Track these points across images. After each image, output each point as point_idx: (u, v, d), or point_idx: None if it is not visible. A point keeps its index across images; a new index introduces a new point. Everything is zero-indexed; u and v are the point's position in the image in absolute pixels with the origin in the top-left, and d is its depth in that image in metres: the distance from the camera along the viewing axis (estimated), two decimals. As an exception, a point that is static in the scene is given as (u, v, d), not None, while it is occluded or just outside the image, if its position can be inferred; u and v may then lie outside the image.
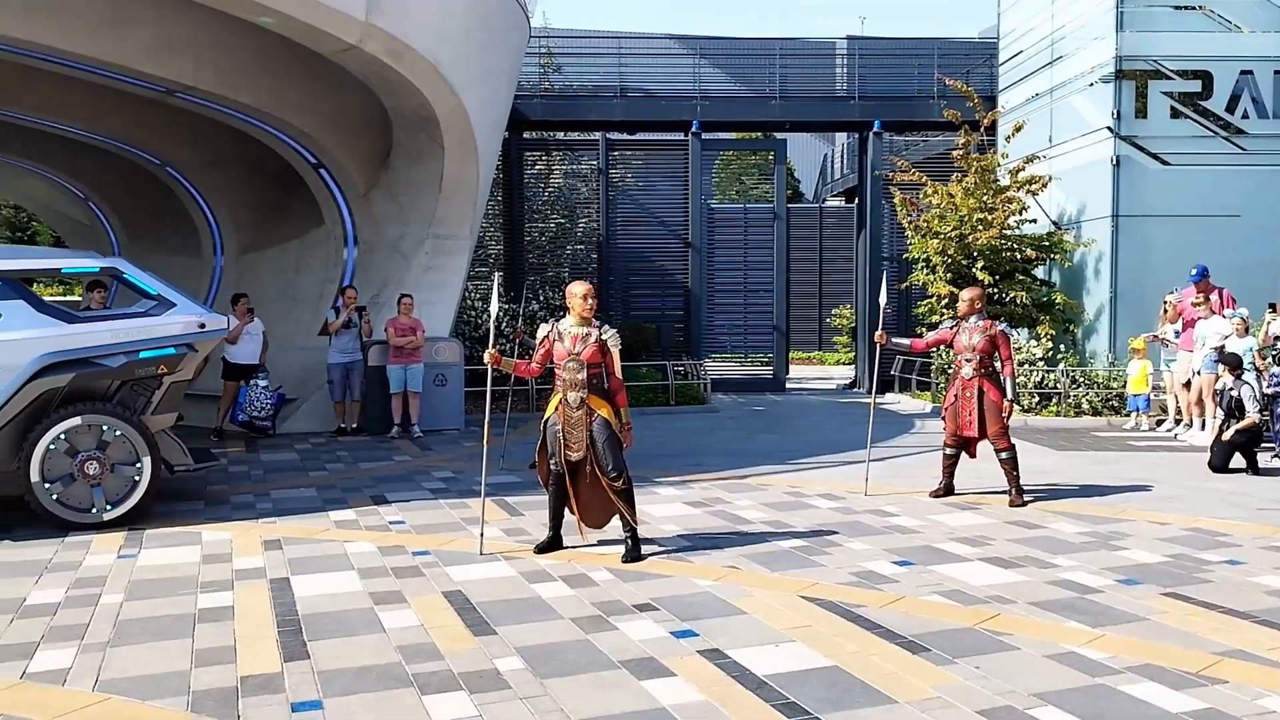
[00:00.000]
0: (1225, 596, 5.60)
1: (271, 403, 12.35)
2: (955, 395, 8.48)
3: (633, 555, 6.41)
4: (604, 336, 6.46)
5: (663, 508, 8.12)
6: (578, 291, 6.51)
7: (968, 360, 8.36)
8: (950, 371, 8.89)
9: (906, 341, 9.18)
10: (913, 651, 4.74)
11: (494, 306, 6.88)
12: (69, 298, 28.90)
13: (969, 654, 4.70)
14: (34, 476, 7.21)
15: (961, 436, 8.45)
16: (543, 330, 6.68)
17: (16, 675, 4.55)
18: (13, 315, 7.29)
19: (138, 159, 16.00)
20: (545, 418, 6.62)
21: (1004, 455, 8.29)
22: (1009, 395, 8.31)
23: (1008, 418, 8.32)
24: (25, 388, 7.19)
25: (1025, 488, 8.40)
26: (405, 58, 10.76)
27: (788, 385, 19.61)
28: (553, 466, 6.56)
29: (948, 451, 8.61)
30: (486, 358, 6.47)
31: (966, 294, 8.59)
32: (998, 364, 8.38)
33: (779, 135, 20.37)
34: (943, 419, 8.72)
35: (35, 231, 40.37)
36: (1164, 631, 5.02)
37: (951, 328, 8.65)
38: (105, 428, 7.45)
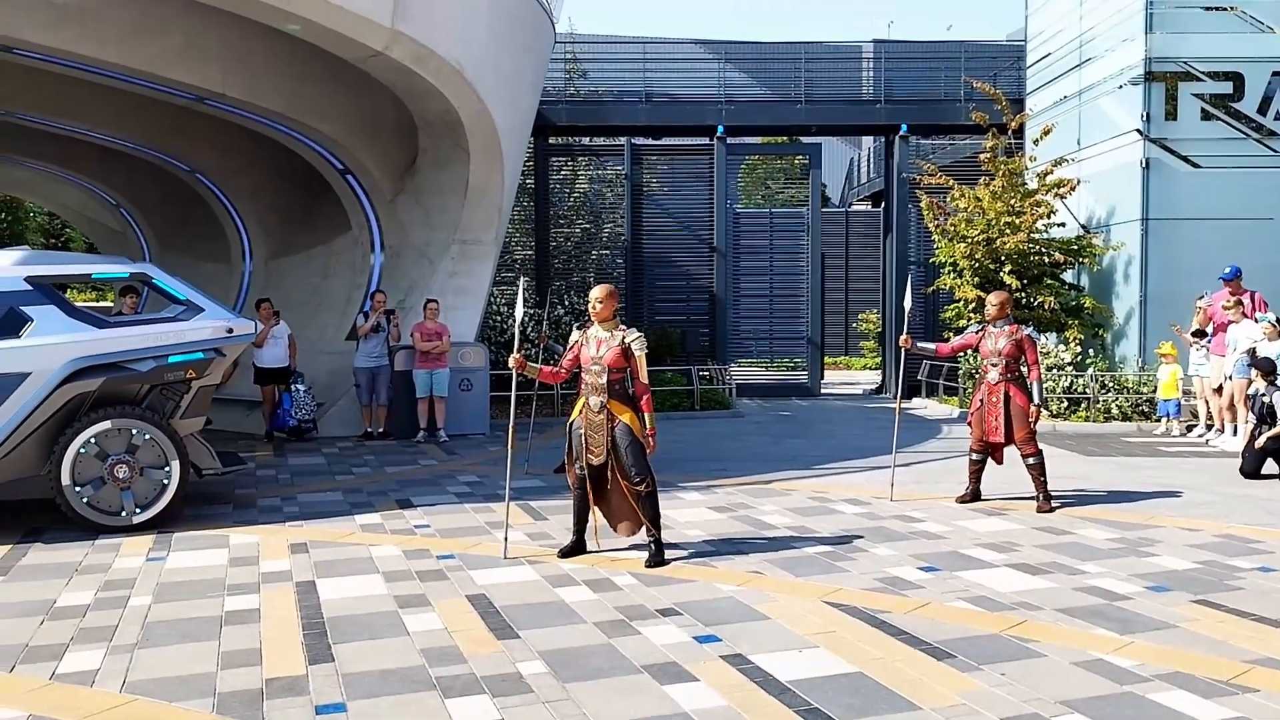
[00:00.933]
0: (1256, 604, 5.52)
1: (313, 404, 12.60)
2: (981, 400, 8.42)
3: (656, 560, 6.40)
4: (628, 341, 6.45)
5: (687, 512, 8.11)
6: (591, 295, 6.56)
7: (994, 365, 8.30)
8: (977, 376, 8.82)
9: (932, 346, 9.11)
10: (938, 658, 4.70)
11: (519, 311, 6.90)
12: (103, 303, 29.27)
13: (995, 661, 4.66)
14: (65, 480, 7.31)
15: (988, 442, 8.39)
16: (574, 335, 6.70)
17: (46, 676, 4.60)
18: (45, 320, 7.39)
19: (168, 165, 16.19)
20: (570, 421, 6.64)
21: (1031, 460, 8.22)
22: (1036, 400, 8.23)
23: (1035, 423, 8.25)
24: (56, 392, 7.29)
25: (1053, 493, 8.32)
26: (430, 63, 10.83)
27: (800, 391, 19.59)
28: (578, 470, 6.57)
29: (974, 457, 8.54)
30: (511, 362, 6.49)
31: (994, 298, 8.50)
32: (1024, 369, 8.31)
33: (806, 140, 20.33)
34: (969, 424, 8.66)
35: (69, 238, 40.93)
36: (1194, 639, 4.95)
37: (977, 332, 8.59)
38: (135, 432, 7.54)
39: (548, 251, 19.37)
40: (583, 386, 6.54)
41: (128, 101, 13.03)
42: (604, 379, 6.40)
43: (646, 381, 6.48)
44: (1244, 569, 6.29)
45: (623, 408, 6.42)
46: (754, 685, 4.38)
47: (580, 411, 6.53)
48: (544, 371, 6.76)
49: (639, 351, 6.44)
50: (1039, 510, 8.09)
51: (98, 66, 10.96)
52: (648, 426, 6.44)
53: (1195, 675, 4.45)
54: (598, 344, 6.48)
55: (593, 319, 6.55)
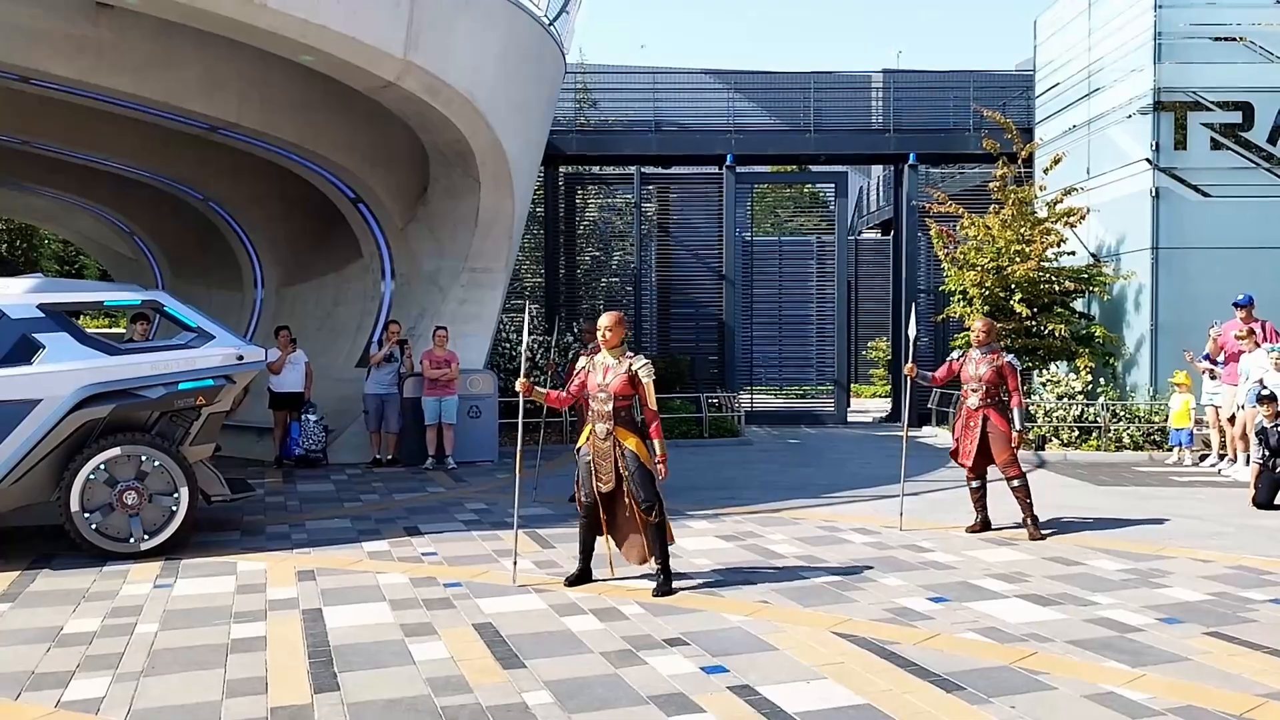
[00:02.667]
0: (1270, 636, 5.46)
1: (322, 435, 12.66)
2: (961, 425, 8.46)
3: (664, 590, 6.37)
4: (635, 368, 6.43)
5: (695, 541, 8.07)
6: (599, 322, 6.57)
7: (974, 390, 8.35)
8: (958, 402, 8.82)
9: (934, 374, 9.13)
10: (947, 690, 4.66)
11: (525, 336, 6.94)
12: (115, 329, 29.45)
13: (1005, 693, 4.61)
14: (74, 506, 7.33)
15: (960, 464, 8.44)
16: (581, 362, 6.71)
17: (51, 704, 4.59)
18: (56, 347, 7.44)
19: (182, 194, 16.34)
20: (578, 447, 6.64)
21: (1015, 484, 8.26)
22: (1018, 426, 8.25)
23: (1017, 448, 8.26)
24: (67, 418, 7.31)
25: (1064, 522, 8.27)
26: (442, 94, 10.92)
27: (825, 419, 19.56)
28: (584, 499, 6.55)
29: (972, 485, 8.54)
30: (518, 386, 6.50)
31: (980, 324, 8.61)
32: (1004, 395, 8.33)
33: (819, 168, 20.38)
34: (954, 452, 8.68)
35: (83, 265, 41.25)
36: (1206, 672, 4.90)
37: (958, 359, 8.62)
38: (144, 458, 7.56)
39: (558, 280, 19.44)
40: (589, 414, 6.53)
41: (143, 131, 13.16)
42: (610, 406, 6.39)
43: (655, 408, 6.46)
44: (1257, 601, 6.22)
45: (629, 434, 6.40)
46: (761, 717, 4.35)
47: (587, 438, 6.53)
48: (550, 396, 6.77)
49: (646, 379, 6.42)
50: (1030, 538, 8.12)
51: (114, 97, 11.09)
52: (657, 453, 6.40)
53: (1208, 709, 4.40)
54: (604, 371, 6.47)
55: (600, 345, 6.55)
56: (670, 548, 6.56)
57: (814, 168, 21.39)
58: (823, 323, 20.05)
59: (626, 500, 6.44)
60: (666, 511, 6.55)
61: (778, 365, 20.61)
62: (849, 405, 20.18)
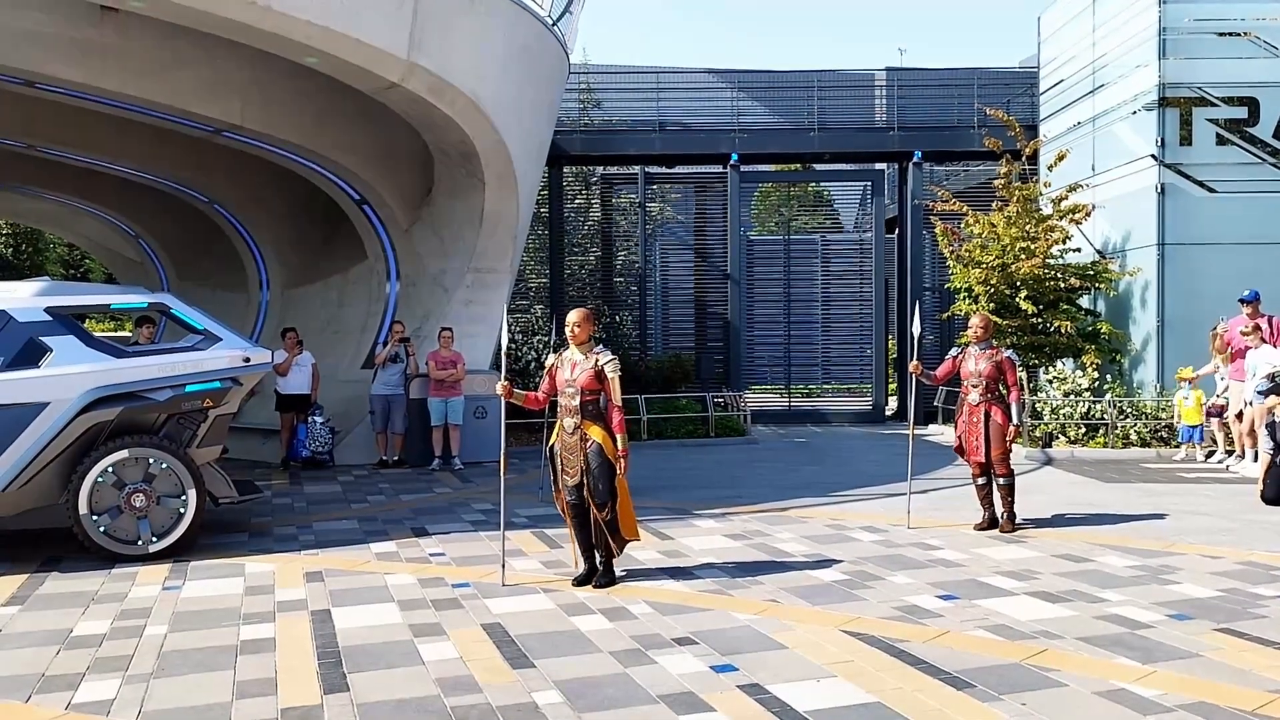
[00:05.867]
0: (1281, 632, 5.45)
1: (328, 436, 12.68)
2: (964, 421, 8.47)
3: (606, 581, 6.50)
4: (602, 363, 6.49)
5: (703, 540, 8.07)
6: (568, 318, 6.61)
7: (974, 386, 8.39)
8: (959, 399, 8.83)
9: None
10: (957, 688, 4.65)
11: (503, 338, 7.01)
12: (121, 333, 29.48)
13: (1015, 690, 4.60)
14: (82, 509, 7.33)
15: (970, 460, 8.48)
16: (550, 359, 6.76)
17: (62, 706, 4.60)
18: (63, 350, 7.45)
19: (187, 197, 16.34)
20: (549, 444, 6.71)
21: (1002, 480, 8.33)
22: (1015, 420, 8.29)
23: (1011, 442, 8.31)
24: (75, 421, 7.32)
25: (1070, 518, 8.27)
26: (446, 94, 10.93)
27: (822, 416, 19.58)
28: (568, 498, 6.58)
29: (978, 482, 8.54)
30: (498, 389, 6.55)
31: (977, 320, 8.66)
32: (1004, 389, 8.36)
33: (818, 165, 20.36)
34: (957, 449, 8.68)
35: (88, 268, 41.31)
36: (1217, 668, 4.88)
37: (955, 356, 8.63)
38: (152, 460, 7.56)
39: (563, 280, 19.45)
40: (559, 409, 6.58)
41: (147, 134, 13.18)
42: (577, 401, 6.46)
43: (620, 404, 6.51)
44: (1267, 597, 6.21)
45: (597, 429, 6.46)
46: (771, 715, 4.34)
47: (557, 434, 6.59)
48: (529, 397, 6.82)
49: (612, 374, 6.49)
50: (1002, 530, 8.22)
51: (118, 100, 11.11)
52: (620, 447, 6.45)
53: (1219, 705, 4.39)
54: (572, 366, 6.54)
55: (571, 341, 6.59)
56: (611, 541, 6.56)
57: (849, 165, 21.41)
58: (828, 322, 20.07)
59: (587, 494, 6.48)
60: (616, 508, 6.53)
61: (784, 364, 20.60)
62: (887, 404, 20.18)
